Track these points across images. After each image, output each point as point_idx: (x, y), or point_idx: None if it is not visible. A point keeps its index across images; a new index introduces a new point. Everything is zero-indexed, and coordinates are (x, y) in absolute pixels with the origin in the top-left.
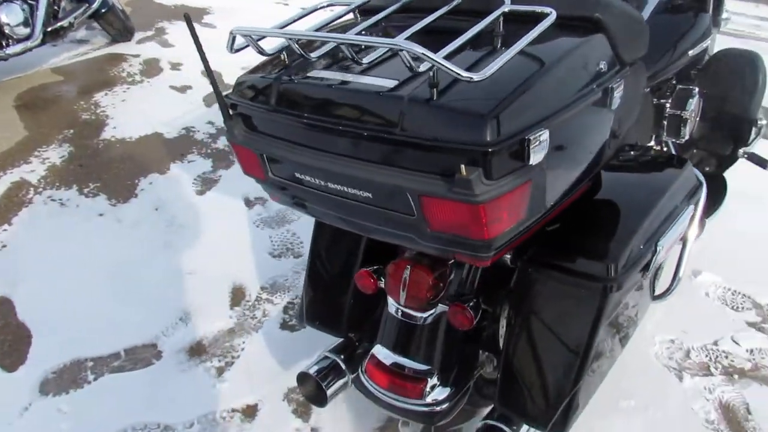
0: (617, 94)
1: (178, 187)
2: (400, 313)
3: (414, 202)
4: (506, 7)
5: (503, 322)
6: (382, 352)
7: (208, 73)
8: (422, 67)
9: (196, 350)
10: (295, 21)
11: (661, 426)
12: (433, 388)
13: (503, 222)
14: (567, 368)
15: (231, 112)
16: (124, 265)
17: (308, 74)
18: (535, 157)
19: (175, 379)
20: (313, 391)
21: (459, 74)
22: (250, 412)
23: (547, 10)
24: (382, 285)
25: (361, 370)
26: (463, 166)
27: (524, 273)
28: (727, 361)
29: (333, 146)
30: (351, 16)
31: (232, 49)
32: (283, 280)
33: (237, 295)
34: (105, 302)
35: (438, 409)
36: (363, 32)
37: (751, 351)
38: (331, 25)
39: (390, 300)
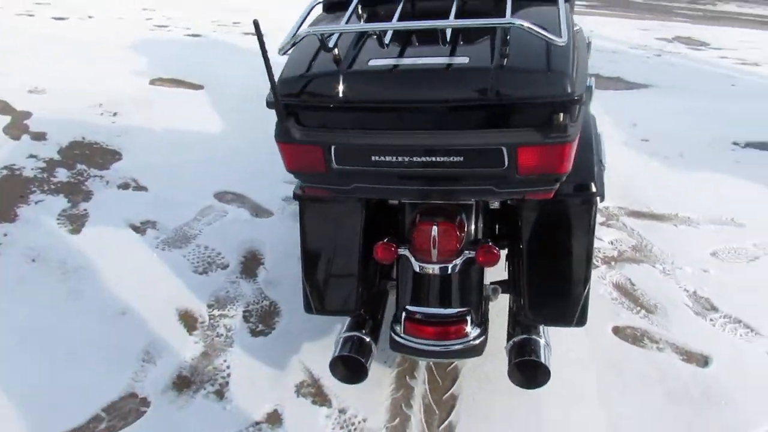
0: None
1: (44, 231)
2: (431, 270)
3: (509, 154)
4: None
5: (511, 254)
6: (417, 310)
7: (270, 78)
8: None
9: (182, 384)
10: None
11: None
12: (471, 325)
13: (572, 156)
14: (578, 272)
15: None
16: (40, 331)
17: (373, 63)
18: (590, 102)
19: (179, 418)
20: (347, 372)
21: (553, 39)
22: (275, 419)
23: None
24: (402, 252)
25: (397, 333)
26: (560, 114)
27: (532, 203)
28: (602, 254)
29: (424, 123)
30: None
31: (285, 51)
32: (224, 293)
33: (188, 321)
34: (47, 376)
35: (479, 341)
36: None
37: (612, 242)
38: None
39: (414, 261)
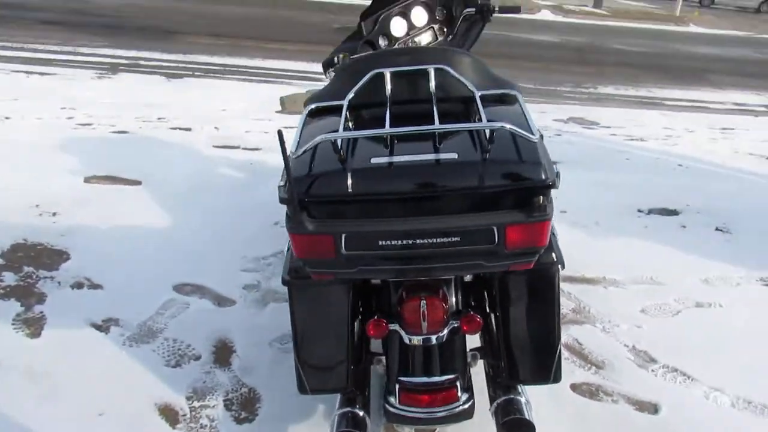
0: None
1: (1, 338)
2: (420, 341)
3: (499, 232)
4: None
5: (485, 321)
6: (410, 380)
7: (288, 177)
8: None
9: None
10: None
11: None
12: (461, 389)
13: (549, 231)
14: (551, 332)
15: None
16: None
17: (375, 161)
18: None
19: None
20: None
21: (529, 137)
22: None
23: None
24: (392, 327)
25: (392, 404)
26: (540, 197)
27: (506, 275)
28: None
29: (425, 210)
30: None
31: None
32: (201, 383)
33: (169, 415)
34: None
35: (469, 404)
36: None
37: None
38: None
39: (404, 334)
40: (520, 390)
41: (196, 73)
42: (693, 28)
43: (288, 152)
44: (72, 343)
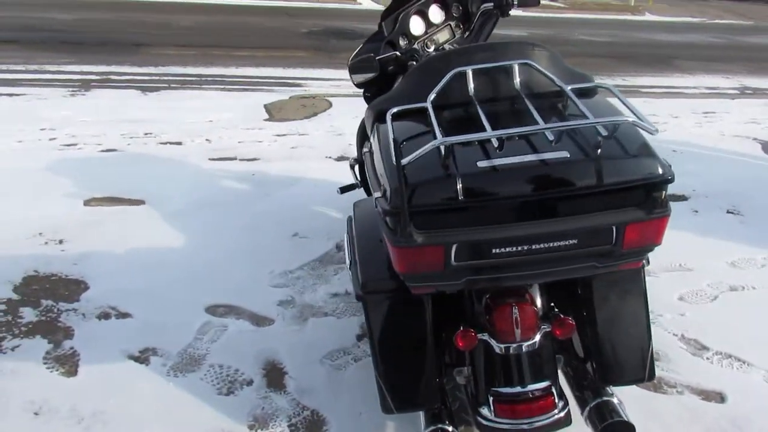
0: None
1: (36, 381)
2: (513, 349)
3: (617, 232)
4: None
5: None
6: (506, 391)
7: (401, 188)
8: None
9: None
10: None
11: None
12: (556, 396)
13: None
14: (642, 330)
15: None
16: None
17: (482, 165)
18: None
19: None
20: None
21: (649, 130)
22: None
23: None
24: (481, 337)
25: (486, 417)
26: (662, 193)
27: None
28: None
29: (541, 213)
30: None
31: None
32: (260, 410)
33: None
34: None
35: (565, 412)
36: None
37: None
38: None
39: (495, 343)
40: (610, 391)
41: (172, 85)
42: (649, 17)
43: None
44: (113, 379)
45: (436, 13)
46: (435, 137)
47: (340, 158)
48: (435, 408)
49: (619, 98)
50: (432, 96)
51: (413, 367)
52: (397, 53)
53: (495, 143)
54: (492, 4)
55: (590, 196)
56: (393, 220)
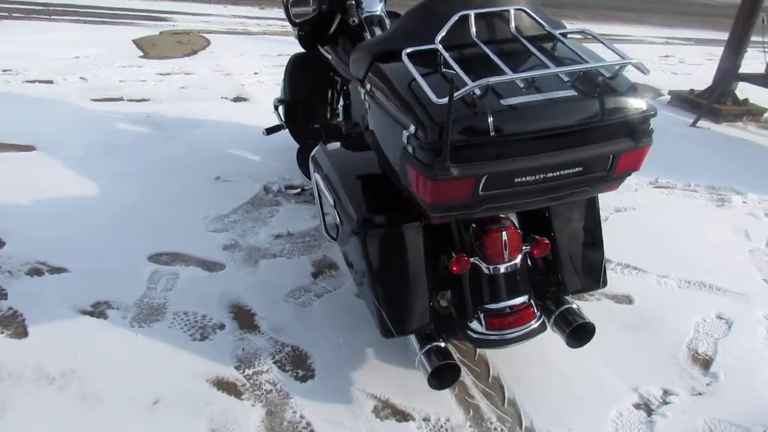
0: None
1: None
2: (501, 269)
3: (613, 159)
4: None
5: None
6: (494, 306)
7: (447, 125)
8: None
9: None
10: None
11: None
12: (534, 307)
13: None
14: (598, 245)
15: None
16: None
17: (506, 102)
18: None
19: None
20: (447, 379)
21: (644, 71)
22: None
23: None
24: (473, 260)
25: (477, 331)
26: (648, 124)
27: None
28: None
29: (556, 145)
30: None
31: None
32: (241, 351)
33: (229, 388)
34: None
35: (542, 320)
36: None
37: None
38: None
39: (485, 265)
40: (570, 300)
41: (14, 15)
42: None
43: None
44: (72, 336)
45: None
46: (450, 77)
47: (237, 99)
48: (426, 328)
49: (604, 44)
50: (439, 37)
51: (410, 293)
52: None
53: (519, 84)
54: None
55: (595, 129)
56: (429, 155)
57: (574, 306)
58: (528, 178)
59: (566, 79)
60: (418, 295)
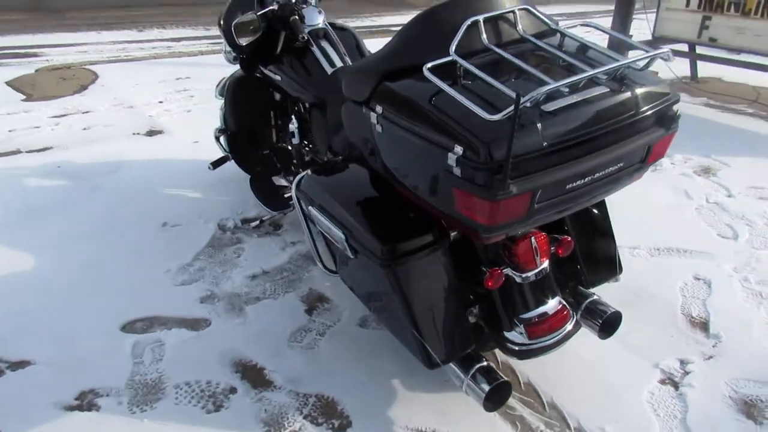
0: None
1: None
2: (533, 276)
3: (648, 149)
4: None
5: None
6: (533, 314)
7: (509, 145)
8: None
9: None
10: None
11: None
12: (568, 307)
13: None
14: (608, 231)
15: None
16: None
17: (547, 107)
18: None
19: None
20: (500, 399)
21: (666, 58)
22: None
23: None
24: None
25: (519, 343)
26: (677, 110)
27: None
28: None
29: (604, 144)
30: None
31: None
32: (264, 413)
33: None
34: None
35: (575, 318)
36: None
37: None
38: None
39: (517, 274)
40: (591, 292)
41: None
42: None
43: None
44: None
45: None
46: (517, 92)
47: (151, 133)
48: (470, 350)
49: (610, 34)
50: (453, 47)
51: (450, 317)
52: (274, 8)
53: (565, 90)
54: None
55: (634, 123)
56: (485, 176)
57: (596, 297)
58: (578, 182)
59: (601, 76)
60: (458, 317)
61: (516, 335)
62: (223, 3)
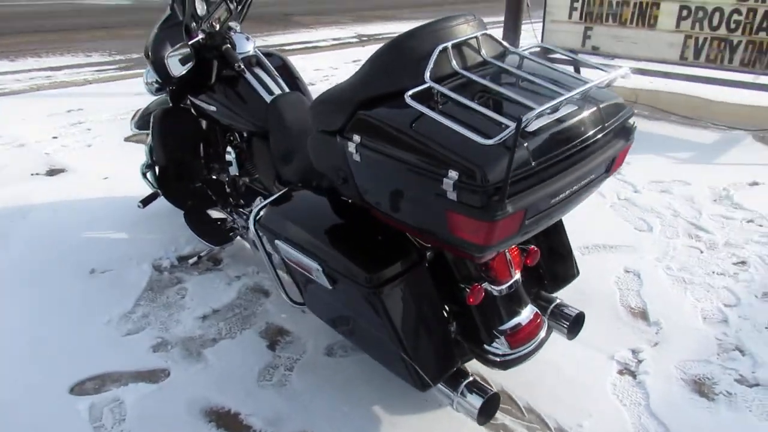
0: None
1: None
2: (508, 286)
3: (612, 160)
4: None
5: None
6: (511, 324)
7: (509, 169)
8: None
9: None
10: None
11: None
12: (540, 313)
13: None
14: (563, 235)
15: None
16: None
17: (529, 127)
18: None
19: None
20: (490, 410)
21: (626, 74)
22: None
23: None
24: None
25: (501, 354)
26: (633, 122)
27: None
28: None
29: (581, 158)
30: None
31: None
32: None
33: None
34: None
35: (546, 322)
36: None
37: None
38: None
39: (494, 288)
40: (555, 295)
41: None
42: None
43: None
44: None
45: None
46: (519, 117)
47: (52, 172)
48: (455, 366)
49: (566, 56)
50: (428, 74)
51: (435, 337)
52: (200, 39)
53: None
54: None
55: (604, 136)
56: (482, 198)
57: (560, 300)
58: (561, 196)
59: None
60: (443, 335)
61: (497, 347)
62: (101, 27)
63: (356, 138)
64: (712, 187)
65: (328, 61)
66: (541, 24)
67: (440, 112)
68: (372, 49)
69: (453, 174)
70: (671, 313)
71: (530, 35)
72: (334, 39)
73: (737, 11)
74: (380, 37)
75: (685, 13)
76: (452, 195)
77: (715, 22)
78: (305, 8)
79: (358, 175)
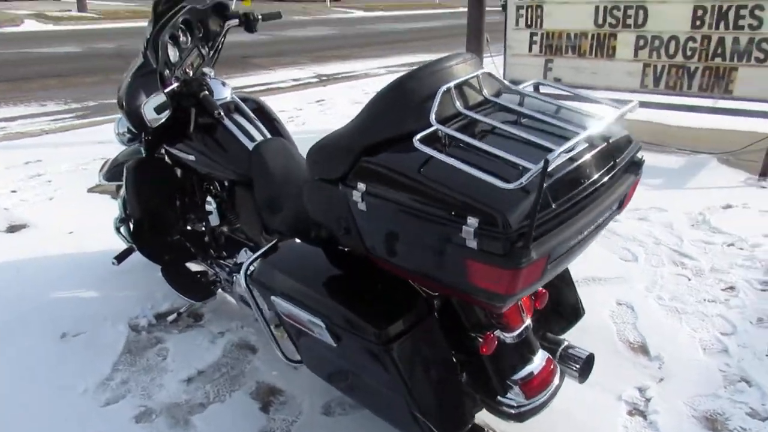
0: None
1: None
2: (520, 332)
3: (624, 195)
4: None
5: None
6: (524, 371)
7: (533, 213)
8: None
9: None
10: None
11: None
12: (552, 358)
13: None
14: (567, 276)
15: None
16: None
17: (551, 169)
18: None
19: None
20: None
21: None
22: None
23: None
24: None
25: (515, 405)
26: (642, 155)
27: None
28: None
29: (597, 196)
30: None
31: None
32: None
33: None
34: None
35: (558, 367)
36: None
37: None
38: None
39: (506, 335)
40: (562, 337)
41: None
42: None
43: None
44: None
45: (184, 38)
46: (546, 159)
47: (12, 229)
48: (470, 424)
49: (564, 90)
50: (433, 116)
51: (449, 391)
52: (176, 86)
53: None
54: (237, 21)
55: (616, 173)
56: (505, 245)
57: (568, 342)
58: (580, 236)
59: (569, 132)
60: (456, 389)
61: (512, 398)
62: (53, 75)
63: (361, 186)
64: (688, 212)
65: (291, 102)
66: (503, 58)
67: (451, 155)
68: (333, 88)
69: (473, 221)
70: (671, 346)
71: (491, 69)
72: (294, 80)
73: (692, 39)
74: (339, 76)
75: (642, 42)
76: (472, 243)
77: (672, 50)
78: (263, 50)
79: (363, 225)
